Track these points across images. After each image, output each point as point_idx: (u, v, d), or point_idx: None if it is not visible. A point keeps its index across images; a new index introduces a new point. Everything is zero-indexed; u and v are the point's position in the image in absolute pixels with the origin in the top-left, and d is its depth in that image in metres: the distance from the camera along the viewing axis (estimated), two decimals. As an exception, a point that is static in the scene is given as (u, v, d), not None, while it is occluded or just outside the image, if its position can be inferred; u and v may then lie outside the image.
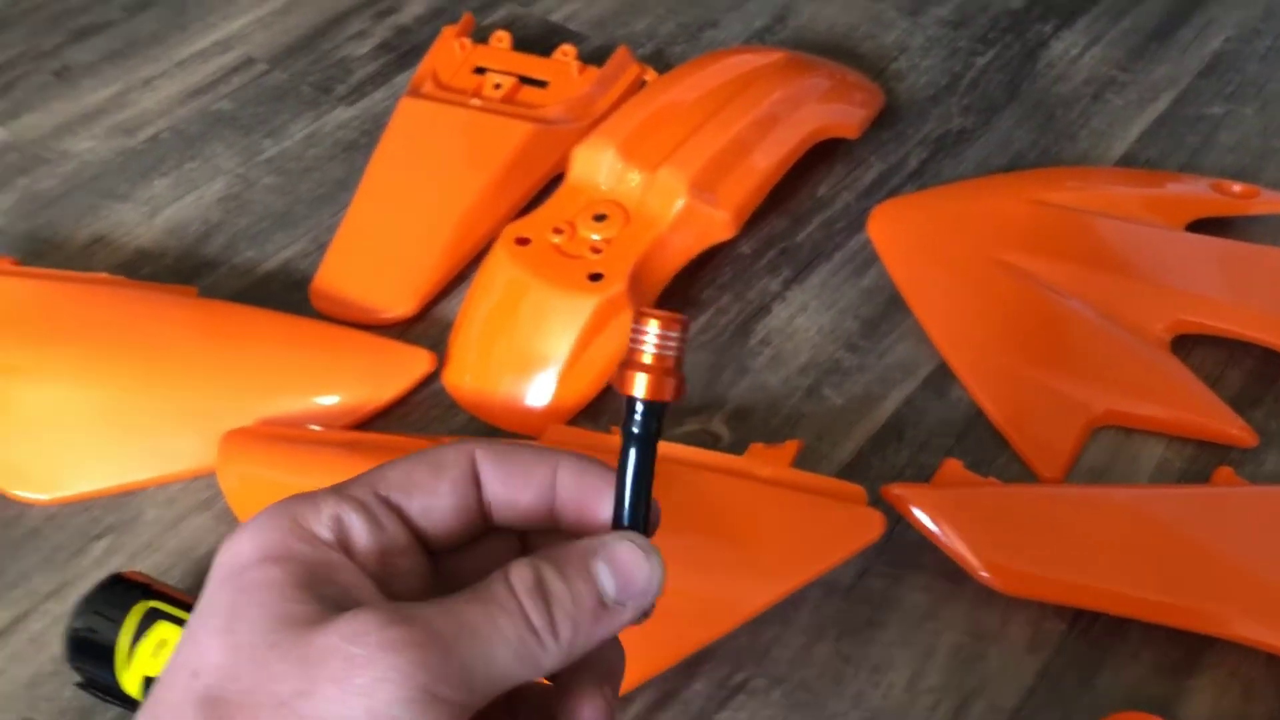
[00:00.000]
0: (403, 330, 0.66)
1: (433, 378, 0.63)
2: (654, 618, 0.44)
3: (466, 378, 0.62)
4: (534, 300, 0.61)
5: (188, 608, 0.48)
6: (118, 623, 0.49)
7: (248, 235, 0.72)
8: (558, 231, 0.63)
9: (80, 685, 0.50)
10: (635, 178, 0.64)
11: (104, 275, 0.66)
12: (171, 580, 0.56)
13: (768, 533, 0.51)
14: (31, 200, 0.74)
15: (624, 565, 0.29)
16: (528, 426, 0.60)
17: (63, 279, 0.65)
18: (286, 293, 0.68)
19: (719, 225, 0.64)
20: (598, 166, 0.65)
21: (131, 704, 0.49)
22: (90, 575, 0.56)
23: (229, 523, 0.58)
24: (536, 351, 0.61)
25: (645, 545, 0.29)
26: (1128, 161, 0.74)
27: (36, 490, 0.59)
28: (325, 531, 0.28)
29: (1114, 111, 0.77)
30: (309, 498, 0.29)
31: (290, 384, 0.61)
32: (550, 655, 0.27)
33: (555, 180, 0.70)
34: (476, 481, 0.30)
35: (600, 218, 0.63)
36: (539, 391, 0.60)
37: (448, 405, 0.62)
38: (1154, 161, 0.74)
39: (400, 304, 0.66)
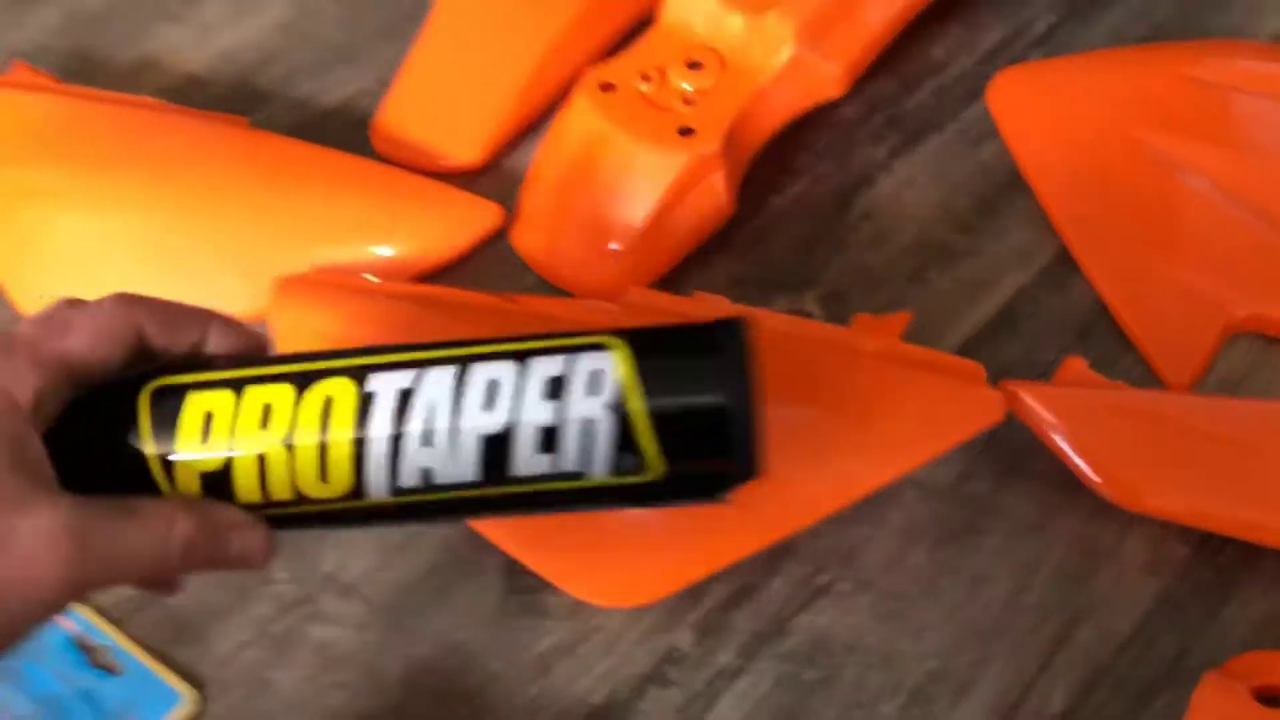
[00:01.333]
0: (470, 180, 0.60)
1: (500, 234, 0.58)
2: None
3: (538, 236, 0.57)
4: (616, 153, 0.55)
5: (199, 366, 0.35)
6: (125, 429, 0.34)
7: (306, 67, 0.66)
8: (646, 79, 0.56)
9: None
10: (737, 22, 0.57)
11: (150, 99, 0.61)
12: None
13: (876, 410, 0.46)
14: (76, 17, 0.69)
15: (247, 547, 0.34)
16: (601, 292, 0.55)
17: (105, 99, 0.60)
18: (346, 132, 0.62)
19: (827, 81, 0.58)
20: (694, 7, 0.58)
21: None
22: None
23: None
24: (616, 211, 0.55)
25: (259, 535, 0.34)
26: (1283, 39, 0.66)
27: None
28: (27, 404, 0.31)
29: (1270, -17, 0.69)
30: (11, 367, 0.32)
31: (348, 230, 0.56)
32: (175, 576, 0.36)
33: (642, 27, 0.64)
34: (140, 339, 0.34)
35: (694, 65, 0.56)
36: (616, 255, 0.55)
37: (516, 264, 0.57)
38: (1314, 41, 0.66)
39: (468, 150, 0.60)
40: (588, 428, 0.33)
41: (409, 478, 0.34)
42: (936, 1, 0.64)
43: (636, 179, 0.55)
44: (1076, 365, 0.49)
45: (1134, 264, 0.55)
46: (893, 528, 0.48)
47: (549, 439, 0.33)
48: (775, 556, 0.47)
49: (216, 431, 0.34)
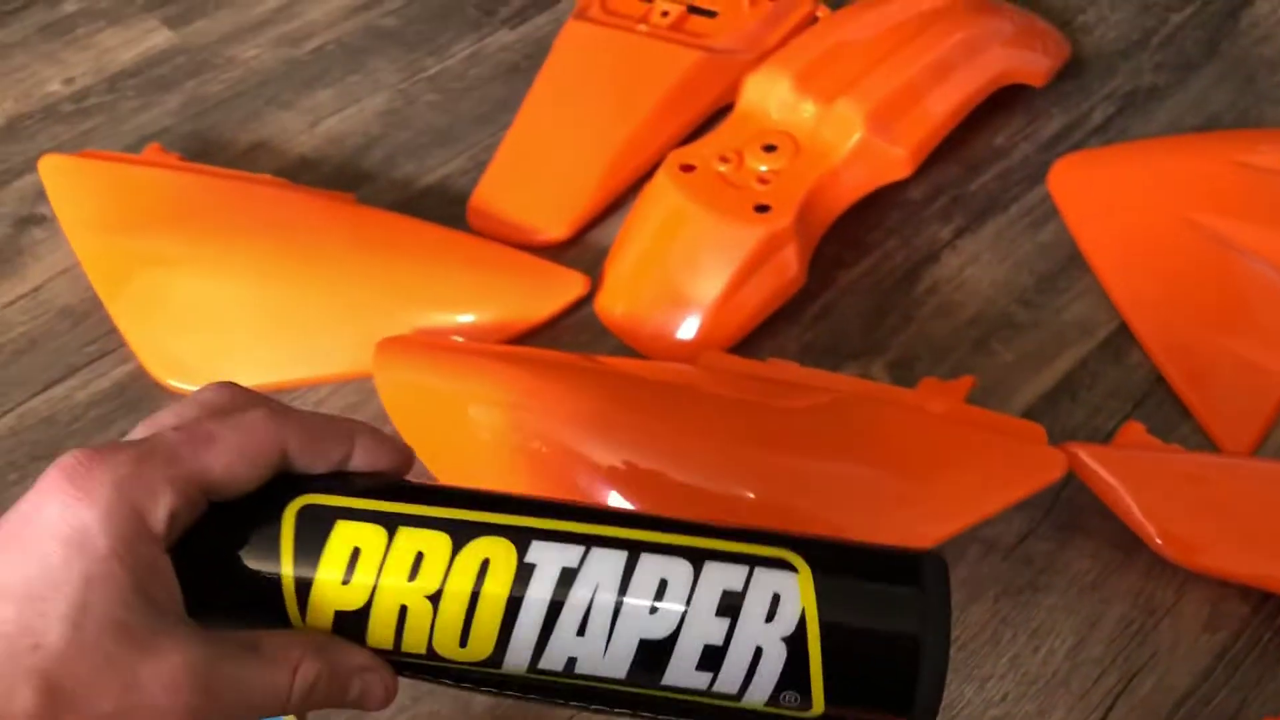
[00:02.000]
0: (556, 254, 0.64)
1: (585, 301, 0.62)
2: None
3: (619, 303, 0.61)
4: (696, 228, 0.59)
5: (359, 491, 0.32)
6: (266, 544, 0.31)
7: (406, 150, 0.71)
8: (724, 160, 0.60)
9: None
10: (809, 108, 0.61)
11: (266, 176, 0.66)
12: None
13: (941, 467, 0.49)
14: (198, 103, 0.75)
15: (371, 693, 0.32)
16: (678, 357, 0.58)
17: (226, 176, 0.65)
18: (442, 209, 0.67)
19: (895, 163, 0.61)
20: (771, 95, 0.62)
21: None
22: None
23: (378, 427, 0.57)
24: (694, 281, 0.59)
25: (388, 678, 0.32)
26: (1336, 128, 0.68)
27: (185, 379, 0.60)
28: (161, 527, 0.29)
29: (1323, 75, 0.72)
30: (146, 483, 0.28)
31: (444, 296, 0.61)
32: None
33: (719, 114, 0.68)
34: (284, 458, 0.31)
35: (770, 148, 0.61)
36: (692, 322, 0.59)
37: (598, 330, 0.61)
38: (1366, 131, 0.68)
39: (556, 227, 0.65)
40: (758, 655, 0.30)
41: (553, 661, 0.31)
42: (1000, 92, 0.68)
43: (714, 252, 0.59)
44: (1135, 429, 0.52)
45: (1190, 337, 0.57)
46: (956, 581, 0.50)
47: (712, 658, 0.30)
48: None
49: (362, 570, 0.31)
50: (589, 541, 0.31)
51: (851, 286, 0.62)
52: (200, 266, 0.61)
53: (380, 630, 0.31)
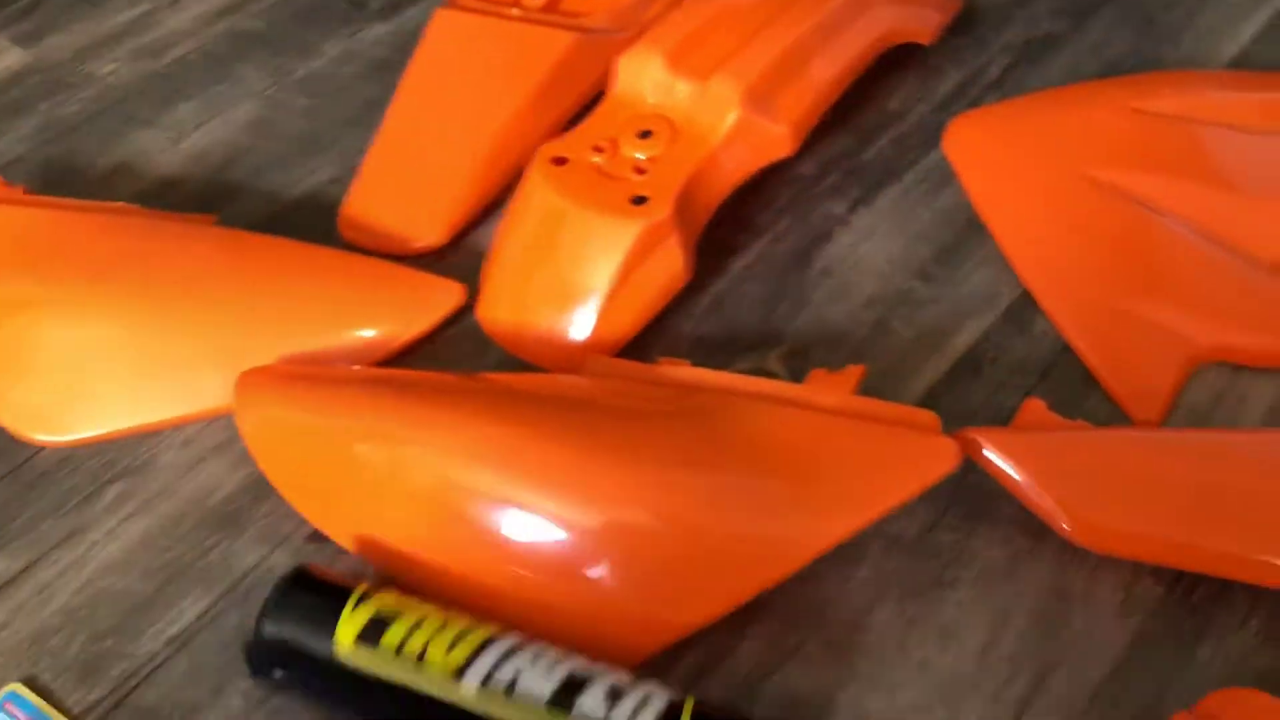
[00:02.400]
0: (435, 261, 0.61)
1: (465, 311, 0.58)
2: (707, 561, 0.45)
3: (501, 311, 0.57)
4: (573, 226, 0.56)
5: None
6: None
7: (276, 160, 0.68)
8: (598, 150, 0.57)
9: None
10: (684, 89, 0.58)
11: (121, 205, 0.62)
12: (183, 531, 0.52)
13: (830, 465, 0.46)
14: (53, 126, 0.71)
15: None
16: (565, 363, 0.55)
17: (78, 208, 0.61)
18: (315, 220, 0.64)
19: (777, 141, 0.58)
20: (643, 77, 0.59)
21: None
22: (102, 522, 0.53)
23: (248, 465, 0.54)
24: (576, 282, 0.56)
25: None
26: (1240, 65, 0.66)
27: (48, 432, 0.56)
28: None
29: (1223, 9, 0.69)
30: None
31: (314, 318, 0.57)
32: None
33: (600, 99, 0.65)
34: None
35: (645, 135, 0.57)
36: (579, 325, 0.55)
37: (481, 340, 0.58)
38: (1271, 64, 0.66)
39: (432, 232, 0.61)
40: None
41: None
42: (890, 52, 0.65)
43: (594, 250, 0.55)
44: (1036, 407, 0.49)
45: (1095, 301, 0.55)
46: (859, 582, 0.48)
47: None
48: (744, 620, 0.47)
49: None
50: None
51: (744, 273, 0.59)
52: (51, 309, 0.57)
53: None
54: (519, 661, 0.42)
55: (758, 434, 0.47)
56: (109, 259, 0.59)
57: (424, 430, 0.49)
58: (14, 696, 0.48)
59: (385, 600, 0.44)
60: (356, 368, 0.54)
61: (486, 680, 0.42)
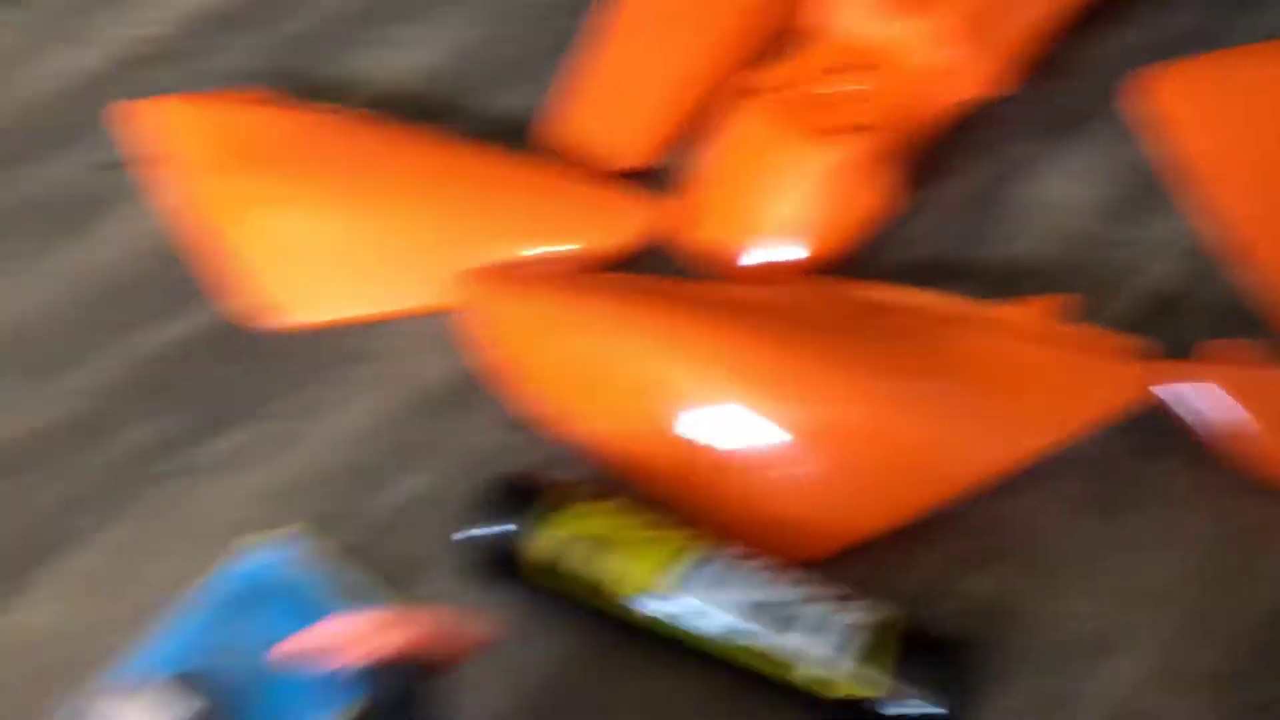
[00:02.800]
0: (638, 183, 0.64)
1: (669, 231, 0.61)
2: (903, 466, 0.46)
3: (706, 230, 0.60)
4: (785, 152, 0.58)
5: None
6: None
7: (482, 84, 0.71)
8: (810, 82, 0.59)
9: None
10: (897, 27, 0.59)
11: (359, 110, 0.67)
12: (407, 413, 0.57)
13: (1026, 387, 0.48)
14: (283, 42, 0.75)
15: None
16: (768, 281, 0.58)
17: (316, 111, 0.66)
18: (520, 139, 0.67)
19: (988, 79, 0.60)
20: (857, 13, 0.61)
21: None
22: (332, 400, 0.58)
23: (468, 357, 0.58)
24: (784, 205, 0.58)
25: None
26: None
27: (284, 315, 0.61)
28: None
29: None
30: None
31: (525, 227, 0.61)
32: None
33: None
34: None
35: (856, 69, 0.59)
36: (784, 246, 0.58)
37: (683, 259, 0.61)
38: None
39: (633, 154, 0.64)
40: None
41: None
42: (1091, 3, 0.66)
43: (804, 175, 0.58)
44: (1223, 345, 0.50)
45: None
46: (1046, 499, 0.50)
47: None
48: (932, 529, 0.49)
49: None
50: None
51: (941, 207, 0.61)
52: (295, 205, 0.62)
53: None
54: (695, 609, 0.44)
55: (959, 353, 0.50)
56: (343, 160, 0.63)
57: (641, 327, 0.52)
58: (287, 541, 0.53)
59: (576, 521, 0.47)
60: (568, 273, 0.58)
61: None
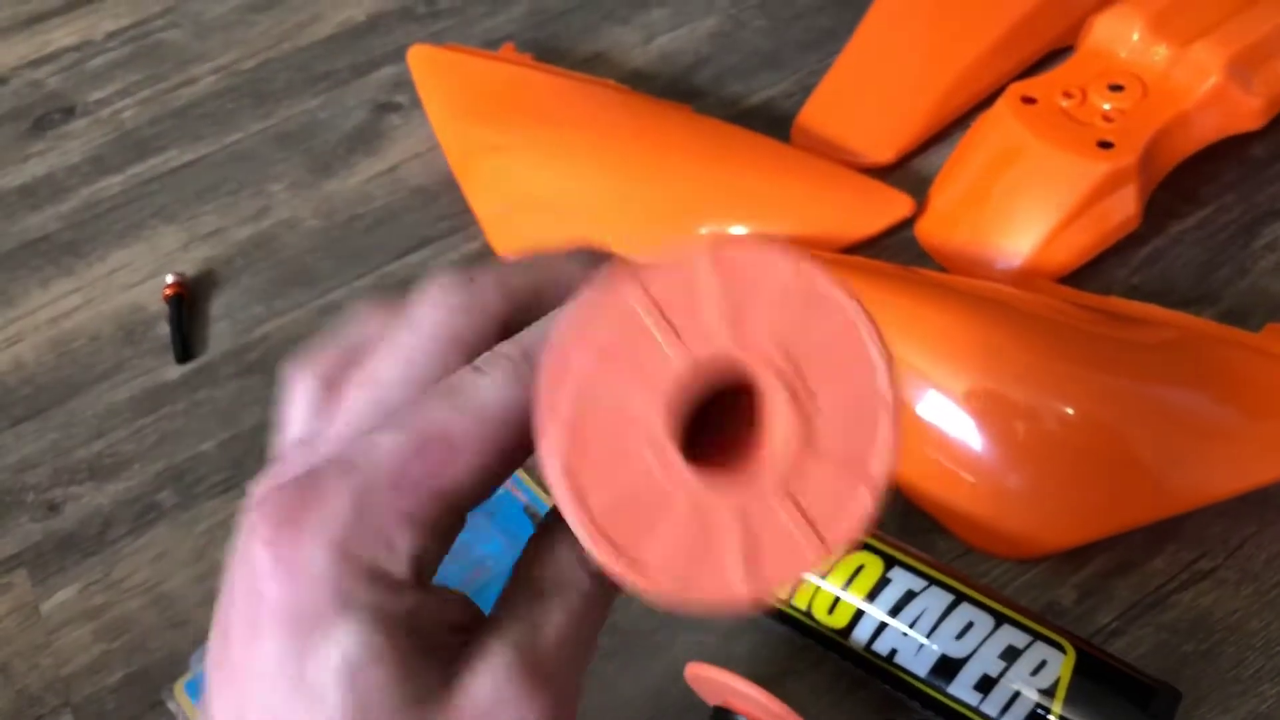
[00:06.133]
0: (880, 177, 0.66)
1: (905, 225, 0.63)
2: (1141, 469, 0.47)
3: (943, 228, 0.62)
4: (1034, 159, 0.59)
5: None
6: None
7: (734, 71, 0.74)
8: (1068, 95, 0.60)
9: None
10: (1161, 51, 0.60)
11: (609, 81, 0.70)
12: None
13: (1274, 409, 0.48)
14: (540, 13, 0.80)
15: None
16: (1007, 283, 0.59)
17: (572, 77, 0.69)
18: (768, 129, 0.69)
19: (1248, 113, 0.60)
20: (1121, 35, 0.62)
21: None
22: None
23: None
24: (1027, 212, 0.59)
25: None
26: None
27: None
28: (407, 578, 0.22)
29: None
30: (375, 535, 0.21)
31: (772, 204, 0.63)
32: None
33: (1059, 53, 0.68)
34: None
35: (1116, 88, 0.60)
36: (1020, 251, 0.59)
37: (917, 253, 0.62)
38: None
39: (881, 150, 0.66)
40: (1015, 696, 0.42)
41: (881, 646, 0.44)
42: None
43: (1050, 184, 0.59)
44: None
45: None
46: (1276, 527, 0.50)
47: (985, 685, 0.42)
48: (1158, 538, 0.50)
49: None
50: (932, 580, 0.45)
51: (1183, 236, 0.61)
52: (546, 156, 0.66)
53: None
54: (894, 633, 0.44)
55: (1209, 367, 0.50)
56: (596, 120, 0.67)
57: (880, 309, 0.54)
58: (517, 482, 0.56)
59: None
60: (816, 250, 0.60)
61: (868, 645, 0.44)
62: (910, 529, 0.52)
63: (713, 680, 0.43)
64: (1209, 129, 0.60)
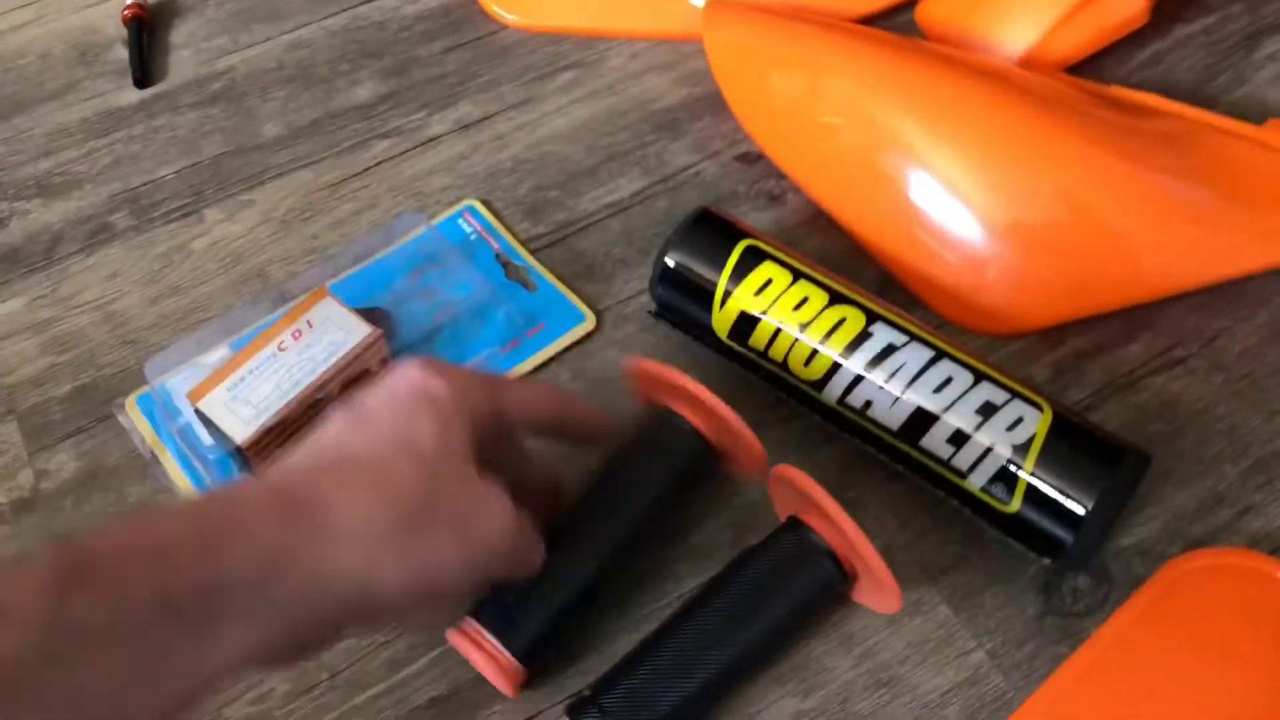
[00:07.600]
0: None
1: (905, 8, 0.61)
2: (1127, 249, 0.47)
3: (944, 9, 0.60)
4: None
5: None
6: (717, 262, 0.46)
7: None
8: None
9: (654, 313, 0.49)
10: None
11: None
12: (625, 124, 0.57)
13: (1262, 199, 0.48)
14: None
15: None
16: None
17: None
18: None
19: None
20: None
21: (708, 337, 0.47)
22: (553, 98, 0.58)
23: (690, 85, 0.59)
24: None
25: None
26: None
27: (512, 12, 0.61)
28: (475, 428, 0.37)
29: None
30: (479, 392, 0.37)
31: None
32: None
33: None
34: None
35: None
36: (1024, 37, 0.57)
37: (917, 37, 0.60)
38: None
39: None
40: (988, 451, 0.41)
41: (855, 400, 0.44)
42: None
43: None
44: None
45: None
46: (1255, 322, 0.50)
47: (958, 439, 0.42)
48: (1134, 326, 0.49)
49: (766, 294, 0.45)
50: (913, 336, 0.44)
51: (1186, 40, 0.60)
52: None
53: (761, 335, 0.45)
54: (871, 385, 0.43)
55: (1205, 154, 0.49)
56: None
57: (877, 75, 0.52)
58: (471, 210, 0.55)
59: (762, 276, 0.46)
60: (814, 17, 0.58)
61: (842, 398, 0.44)
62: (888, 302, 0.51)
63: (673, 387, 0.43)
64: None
